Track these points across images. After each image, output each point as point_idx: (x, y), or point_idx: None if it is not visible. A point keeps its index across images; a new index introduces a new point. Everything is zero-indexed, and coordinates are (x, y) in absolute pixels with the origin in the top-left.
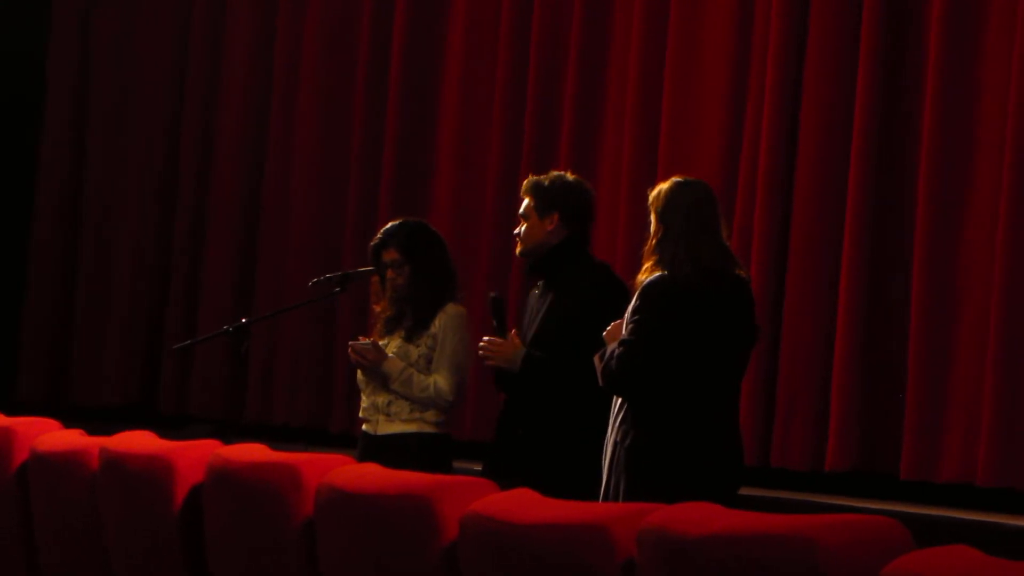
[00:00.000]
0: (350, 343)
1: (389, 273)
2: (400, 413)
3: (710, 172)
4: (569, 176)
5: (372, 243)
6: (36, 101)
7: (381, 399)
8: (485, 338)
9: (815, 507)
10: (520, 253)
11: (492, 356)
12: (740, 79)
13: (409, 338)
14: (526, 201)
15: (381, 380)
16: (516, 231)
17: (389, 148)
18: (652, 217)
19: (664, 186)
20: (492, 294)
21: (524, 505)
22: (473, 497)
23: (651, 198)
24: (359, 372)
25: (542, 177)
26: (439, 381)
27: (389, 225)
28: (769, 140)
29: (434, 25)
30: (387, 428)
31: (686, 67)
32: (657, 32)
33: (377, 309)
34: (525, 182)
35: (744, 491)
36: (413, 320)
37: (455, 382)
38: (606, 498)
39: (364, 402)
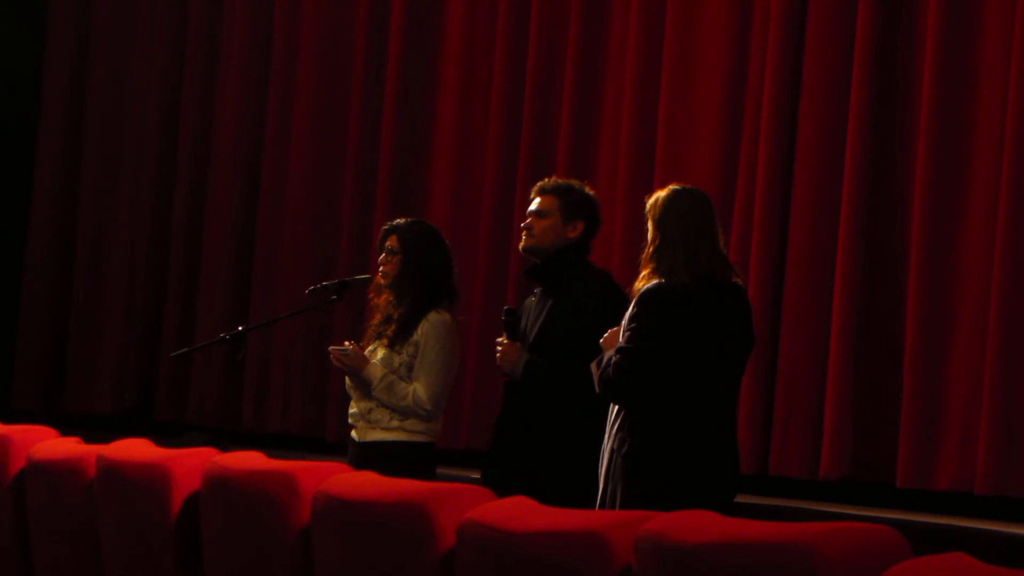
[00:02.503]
0: (331, 348)
1: (382, 257)
2: (381, 421)
3: (707, 179)
4: (588, 189)
5: (384, 227)
6: (32, 113)
7: (364, 405)
8: (499, 340)
9: (812, 515)
10: (530, 248)
11: (499, 358)
12: (737, 86)
13: (392, 345)
14: (545, 200)
15: (363, 386)
16: (524, 224)
17: (385, 156)
18: (649, 225)
19: (661, 194)
20: (507, 307)
21: (521, 513)
22: (470, 505)
23: (648, 206)
24: (346, 377)
25: (570, 182)
26: (418, 390)
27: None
28: (766, 147)
29: (430, 36)
30: (369, 435)
31: (683, 74)
32: (653, 39)
33: (379, 302)
34: (548, 182)
35: (741, 499)
36: (397, 325)
37: (434, 392)
38: (603, 506)
39: (352, 407)
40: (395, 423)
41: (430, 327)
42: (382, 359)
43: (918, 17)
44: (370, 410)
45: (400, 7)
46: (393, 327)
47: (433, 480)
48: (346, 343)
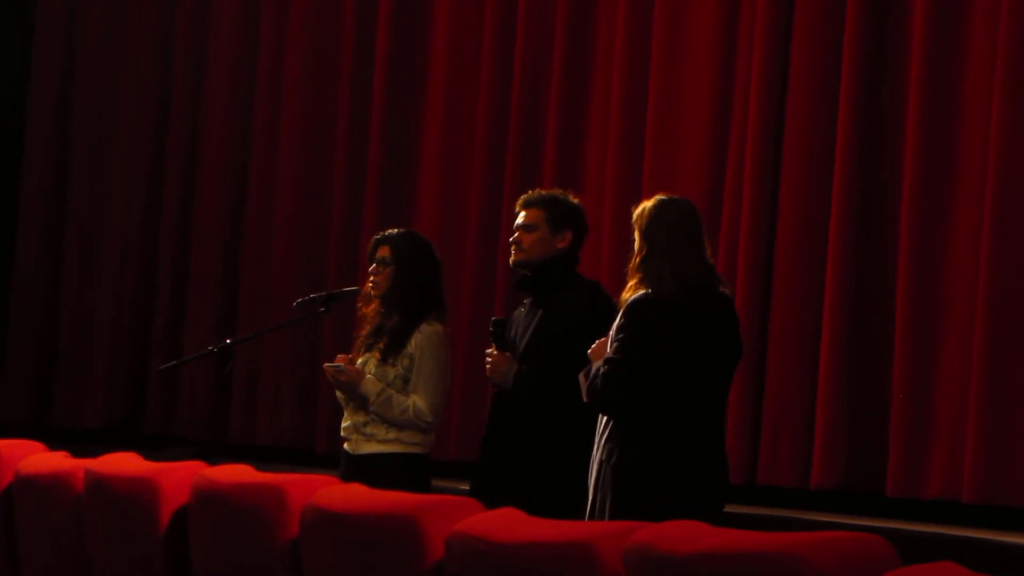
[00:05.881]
0: (325, 365)
1: (373, 267)
2: (377, 433)
3: (694, 189)
4: (572, 197)
5: (375, 237)
6: (18, 123)
7: (359, 418)
8: (488, 351)
9: (802, 524)
10: (520, 262)
11: (489, 368)
12: (724, 95)
13: (384, 359)
14: (531, 213)
15: (360, 401)
16: (513, 239)
17: (372, 168)
18: (636, 235)
19: (648, 204)
20: (495, 317)
21: (510, 524)
22: (459, 516)
23: (635, 216)
24: (337, 390)
25: (554, 192)
26: (418, 402)
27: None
28: (753, 157)
29: (416, 46)
30: (365, 448)
31: (670, 83)
32: (641, 48)
33: (367, 312)
34: (533, 194)
35: (731, 508)
36: (389, 338)
37: (433, 403)
38: (592, 516)
39: (345, 420)
40: (392, 435)
41: (424, 339)
42: (375, 373)
43: (905, 30)
44: (365, 423)
45: (387, 18)
46: (385, 340)
47: (429, 491)
48: (339, 356)
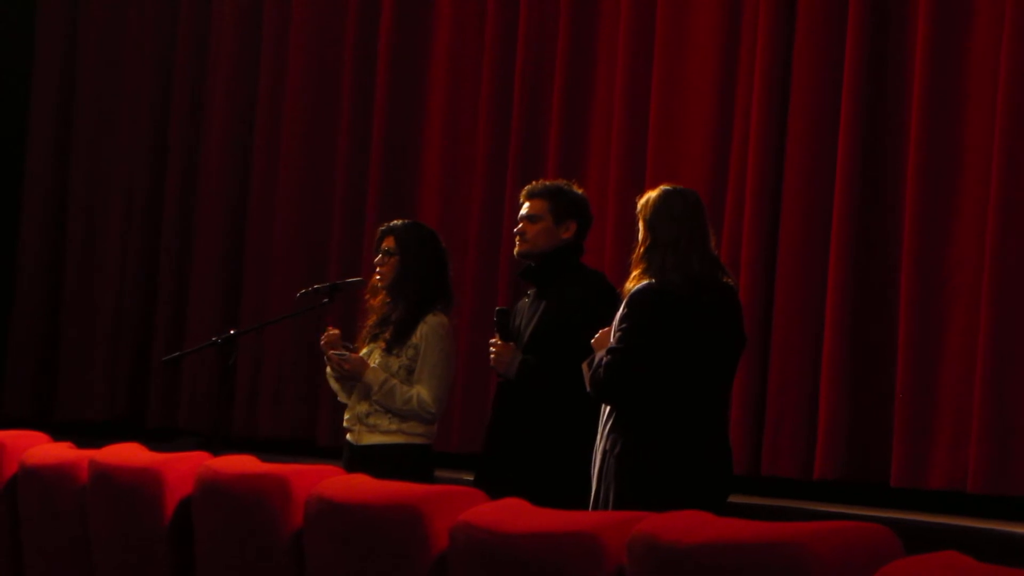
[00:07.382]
0: (330, 352)
1: (379, 258)
2: (380, 424)
3: (698, 180)
4: (577, 188)
5: (380, 227)
6: (21, 118)
7: (362, 409)
8: (492, 340)
9: (805, 514)
10: (525, 252)
11: (493, 358)
12: (727, 87)
13: (389, 349)
14: (535, 203)
15: (363, 390)
16: (517, 229)
17: (375, 160)
18: (640, 225)
19: (653, 194)
20: (498, 307)
21: (514, 514)
22: (463, 507)
23: (639, 206)
24: (329, 378)
25: (558, 183)
26: (421, 393)
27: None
28: (757, 148)
29: (419, 40)
30: (368, 439)
31: (673, 74)
32: (644, 39)
33: (374, 303)
34: (537, 185)
35: (734, 499)
36: (394, 328)
37: (437, 394)
38: (595, 507)
39: (348, 411)
40: (394, 426)
41: (429, 330)
42: (380, 363)
43: (908, 25)
44: (368, 414)
45: (389, 11)
46: (390, 330)
47: (431, 482)
48: (330, 329)
